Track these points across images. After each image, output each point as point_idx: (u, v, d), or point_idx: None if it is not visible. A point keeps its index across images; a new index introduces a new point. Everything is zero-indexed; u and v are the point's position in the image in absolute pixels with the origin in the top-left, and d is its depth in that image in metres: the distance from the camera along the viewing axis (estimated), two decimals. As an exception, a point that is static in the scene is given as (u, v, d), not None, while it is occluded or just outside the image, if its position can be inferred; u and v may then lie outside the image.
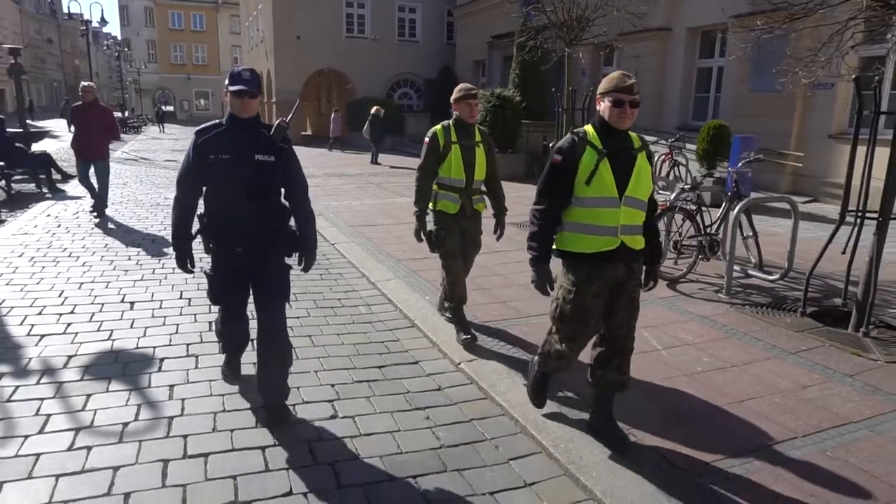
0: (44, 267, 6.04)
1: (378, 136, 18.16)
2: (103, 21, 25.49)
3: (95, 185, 8.65)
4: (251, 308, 3.30)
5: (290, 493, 2.65)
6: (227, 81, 3.08)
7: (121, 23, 58.61)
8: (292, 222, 3.31)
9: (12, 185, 10.79)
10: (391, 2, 28.03)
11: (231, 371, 3.65)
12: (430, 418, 3.37)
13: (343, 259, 6.87)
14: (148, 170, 15.65)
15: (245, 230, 3.13)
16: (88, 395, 3.45)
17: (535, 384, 3.28)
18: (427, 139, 4.26)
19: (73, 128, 8.87)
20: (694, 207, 6.03)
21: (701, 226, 5.96)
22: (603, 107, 2.79)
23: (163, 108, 42.58)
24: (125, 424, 3.15)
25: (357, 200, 11.12)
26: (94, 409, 3.30)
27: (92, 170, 8.57)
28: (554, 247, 2.95)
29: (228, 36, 57.65)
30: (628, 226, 2.83)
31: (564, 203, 2.86)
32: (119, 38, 59.35)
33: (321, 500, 2.62)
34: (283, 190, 3.25)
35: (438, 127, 4.26)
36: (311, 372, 3.87)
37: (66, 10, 62.65)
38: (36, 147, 12.98)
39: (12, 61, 11.44)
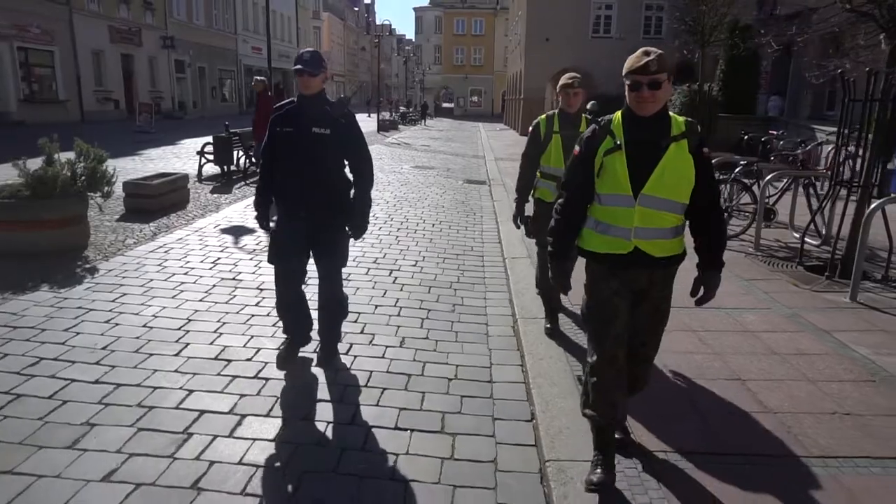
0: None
1: (592, 128, 20.21)
2: (391, 34, 31.65)
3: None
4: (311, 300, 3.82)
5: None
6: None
7: (415, 31, 68.53)
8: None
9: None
10: (639, 1, 29.13)
11: (284, 354, 3.67)
12: (462, 270, 5.96)
13: (493, 209, 9.58)
14: (402, 151, 20.18)
15: (305, 197, 3.41)
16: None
17: (595, 441, 2.71)
18: (531, 128, 4.28)
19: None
20: (751, 181, 7.33)
21: (757, 196, 7.24)
22: (626, 91, 2.48)
23: (442, 104, 48.96)
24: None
25: (541, 177, 13.61)
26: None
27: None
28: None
29: (503, 38, 63.19)
30: (646, 229, 2.47)
31: (585, 198, 2.61)
32: (413, 44, 69.46)
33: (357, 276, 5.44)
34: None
35: (542, 116, 4.24)
36: (423, 247, 6.71)
37: (377, 22, 75.39)
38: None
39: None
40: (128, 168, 11.91)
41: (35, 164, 5.92)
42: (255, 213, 3.64)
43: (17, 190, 5.92)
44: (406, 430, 3.09)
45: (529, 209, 4.40)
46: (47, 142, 5.91)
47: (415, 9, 67.00)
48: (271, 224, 3.64)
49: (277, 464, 2.77)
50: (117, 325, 4.25)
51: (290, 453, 2.85)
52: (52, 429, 2.93)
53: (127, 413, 3.10)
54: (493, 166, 15.54)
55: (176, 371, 3.59)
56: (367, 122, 36.18)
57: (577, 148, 2.67)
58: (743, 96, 16.01)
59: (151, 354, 3.79)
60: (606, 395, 2.57)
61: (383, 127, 29.65)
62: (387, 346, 4.11)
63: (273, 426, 3.07)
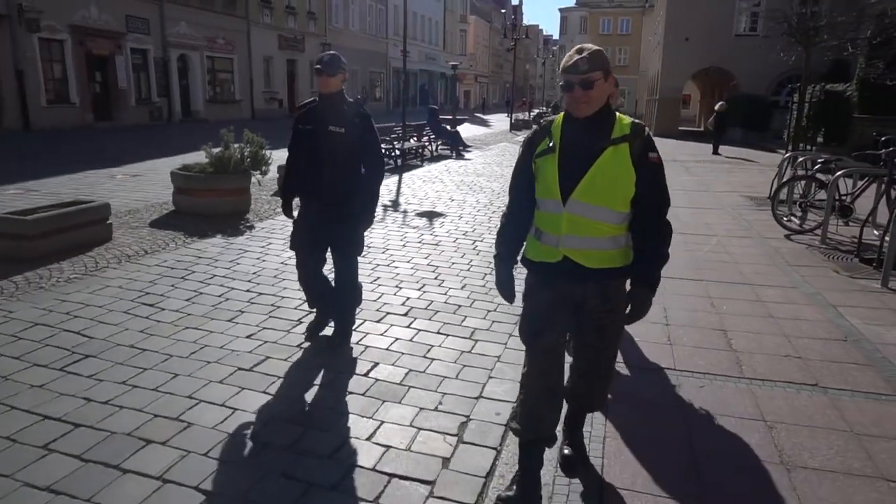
0: (433, 183, 11.70)
1: (721, 129, 19.95)
2: (527, 36, 32.65)
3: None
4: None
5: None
6: None
7: (560, 31, 68.76)
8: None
9: (439, 149, 17.45)
10: (791, -3, 27.62)
11: (312, 326, 4.17)
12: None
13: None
14: (527, 148, 21.31)
15: (320, 190, 3.67)
16: (426, 218, 8.28)
17: (519, 457, 2.61)
18: None
19: None
20: (827, 178, 7.63)
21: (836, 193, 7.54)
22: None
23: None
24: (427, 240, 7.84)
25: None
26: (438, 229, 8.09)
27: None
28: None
29: (650, 38, 61.57)
30: (575, 237, 2.33)
31: (526, 202, 2.50)
32: (558, 44, 69.70)
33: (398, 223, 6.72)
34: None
35: None
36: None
37: (524, 23, 76.56)
38: (459, 128, 19.76)
39: (451, 73, 17.99)
40: (283, 157, 14.24)
41: (217, 149, 7.95)
42: (282, 203, 4.05)
43: (204, 167, 7.97)
44: (445, 335, 4.35)
45: None
46: (226, 132, 7.90)
47: (560, 9, 67.36)
48: (294, 213, 4.03)
49: (353, 344, 4.16)
50: (264, 261, 5.96)
51: (360, 337, 4.24)
52: (219, 311, 4.59)
53: (264, 308, 4.69)
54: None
55: (299, 290, 5.13)
56: (500, 122, 37.64)
57: (520, 149, 2.57)
58: (882, 96, 15.16)
59: (284, 279, 5.40)
60: (533, 408, 2.51)
61: (516, 126, 30.86)
62: (450, 288, 5.39)
63: (356, 323, 4.48)
